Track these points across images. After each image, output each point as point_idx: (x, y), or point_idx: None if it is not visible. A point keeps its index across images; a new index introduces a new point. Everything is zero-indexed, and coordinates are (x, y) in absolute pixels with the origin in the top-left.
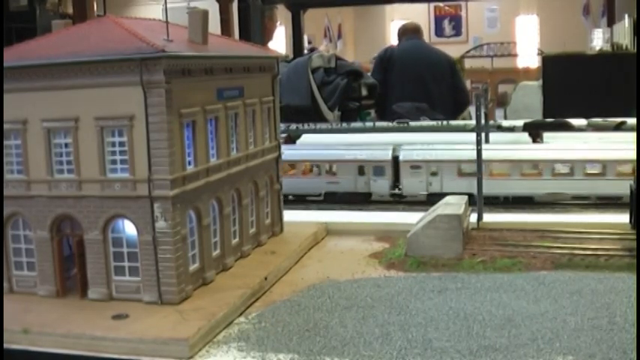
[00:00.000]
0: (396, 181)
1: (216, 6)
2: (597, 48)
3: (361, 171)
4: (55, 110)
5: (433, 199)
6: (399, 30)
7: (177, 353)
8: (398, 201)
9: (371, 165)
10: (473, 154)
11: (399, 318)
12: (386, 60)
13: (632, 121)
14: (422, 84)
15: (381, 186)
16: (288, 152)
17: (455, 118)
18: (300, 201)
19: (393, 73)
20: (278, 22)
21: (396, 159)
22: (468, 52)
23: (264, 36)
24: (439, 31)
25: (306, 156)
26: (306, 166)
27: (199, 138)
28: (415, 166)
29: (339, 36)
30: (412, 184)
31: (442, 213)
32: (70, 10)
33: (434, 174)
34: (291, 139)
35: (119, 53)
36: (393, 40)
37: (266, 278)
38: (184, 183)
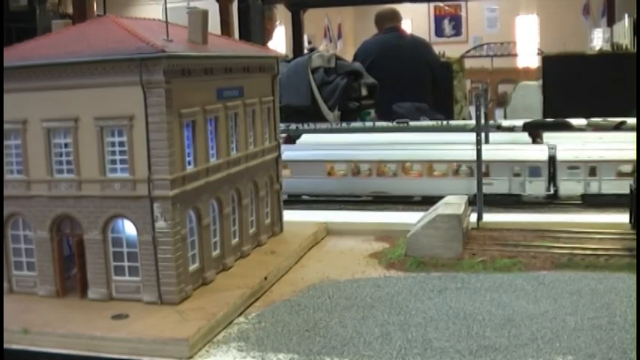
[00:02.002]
0: (551, 182)
1: (216, 6)
2: (597, 48)
3: (516, 172)
4: (54, 110)
5: (589, 200)
6: (377, 18)
7: (177, 353)
8: (399, 201)
9: (526, 165)
10: (631, 154)
11: (399, 318)
12: (367, 63)
13: (632, 120)
14: (406, 86)
15: (536, 187)
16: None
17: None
18: (300, 201)
19: (373, 76)
20: (277, 22)
21: (552, 159)
22: (467, 51)
23: (264, 36)
24: (439, 31)
25: (452, 156)
26: (452, 167)
27: (199, 138)
28: (573, 166)
29: (339, 36)
30: (569, 185)
31: (442, 213)
32: (70, 10)
33: (592, 174)
34: (291, 139)
35: (119, 53)
36: None
37: (266, 278)
38: (184, 183)
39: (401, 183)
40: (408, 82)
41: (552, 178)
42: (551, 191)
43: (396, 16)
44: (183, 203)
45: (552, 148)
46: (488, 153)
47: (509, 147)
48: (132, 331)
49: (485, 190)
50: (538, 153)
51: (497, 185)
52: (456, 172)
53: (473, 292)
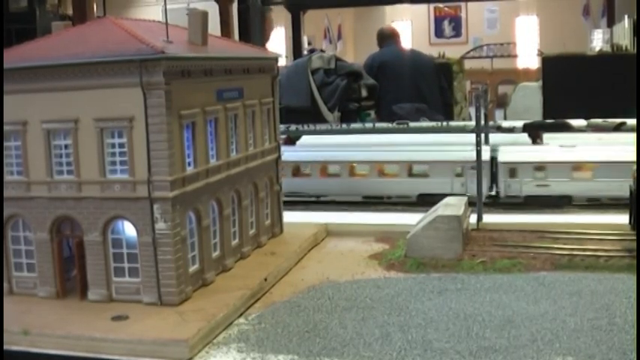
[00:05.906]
0: None
1: (216, 7)
2: (597, 48)
3: None
4: (54, 111)
5: None
6: (378, 35)
7: (176, 354)
8: (398, 202)
9: None
10: None
11: (399, 319)
12: (375, 67)
13: (632, 121)
14: (416, 86)
15: None
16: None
17: (447, 118)
18: (300, 201)
19: (385, 78)
20: (274, 24)
21: None
22: (467, 52)
23: (264, 37)
24: (439, 32)
25: None
26: None
27: (199, 139)
28: None
29: (339, 37)
30: None
31: (442, 214)
32: (70, 11)
33: None
34: (291, 140)
35: (119, 54)
36: None
37: (266, 279)
38: (184, 184)
39: None
40: (420, 80)
41: None
42: None
43: (396, 35)
44: (183, 204)
45: None
46: None
47: None
48: (132, 333)
49: None
50: None
51: None
52: None
53: (473, 293)
